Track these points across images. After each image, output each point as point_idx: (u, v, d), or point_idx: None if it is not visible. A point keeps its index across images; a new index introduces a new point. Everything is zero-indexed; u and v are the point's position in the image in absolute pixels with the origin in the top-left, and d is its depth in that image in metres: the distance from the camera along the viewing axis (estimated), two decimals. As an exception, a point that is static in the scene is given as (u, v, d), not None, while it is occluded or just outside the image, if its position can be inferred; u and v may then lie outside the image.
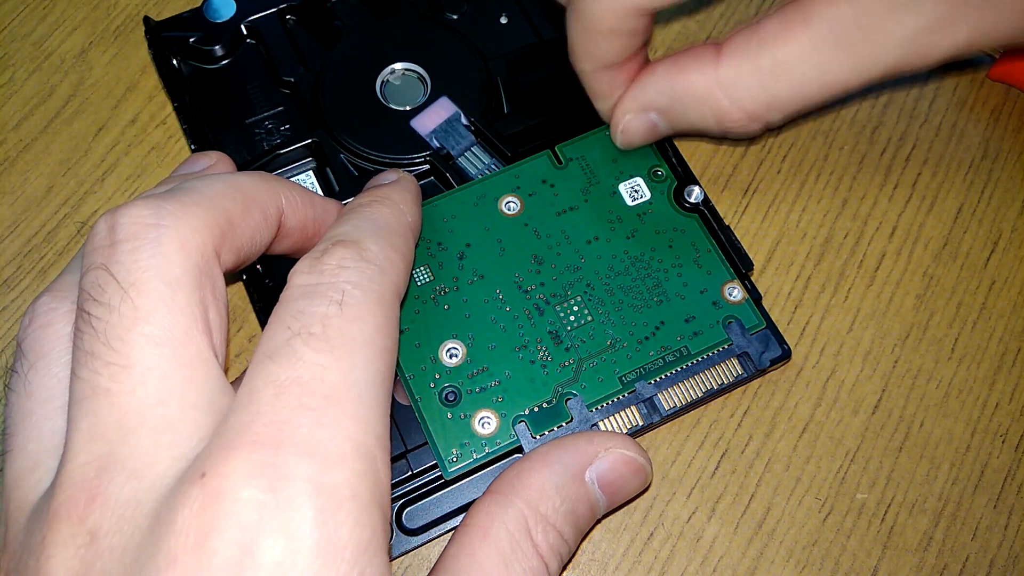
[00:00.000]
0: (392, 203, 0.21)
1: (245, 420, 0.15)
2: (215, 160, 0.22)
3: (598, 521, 0.22)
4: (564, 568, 0.20)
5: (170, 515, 0.14)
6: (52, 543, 0.15)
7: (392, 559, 0.23)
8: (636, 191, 0.25)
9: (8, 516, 0.17)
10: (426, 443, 0.23)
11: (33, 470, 0.17)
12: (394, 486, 0.22)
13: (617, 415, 0.23)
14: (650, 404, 0.23)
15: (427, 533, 0.22)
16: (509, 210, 0.25)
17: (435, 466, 0.22)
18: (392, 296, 0.18)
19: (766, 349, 0.24)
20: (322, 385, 0.16)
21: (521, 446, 0.22)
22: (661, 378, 0.23)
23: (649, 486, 0.23)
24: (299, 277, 0.18)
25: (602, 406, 0.23)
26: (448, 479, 0.22)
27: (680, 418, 0.24)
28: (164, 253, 0.16)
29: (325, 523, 0.14)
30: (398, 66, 0.28)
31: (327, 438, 0.15)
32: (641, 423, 0.23)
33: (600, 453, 0.20)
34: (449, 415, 0.23)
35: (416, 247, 0.22)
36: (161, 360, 0.16)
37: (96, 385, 0.16)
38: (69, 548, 0.15)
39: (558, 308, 0.24)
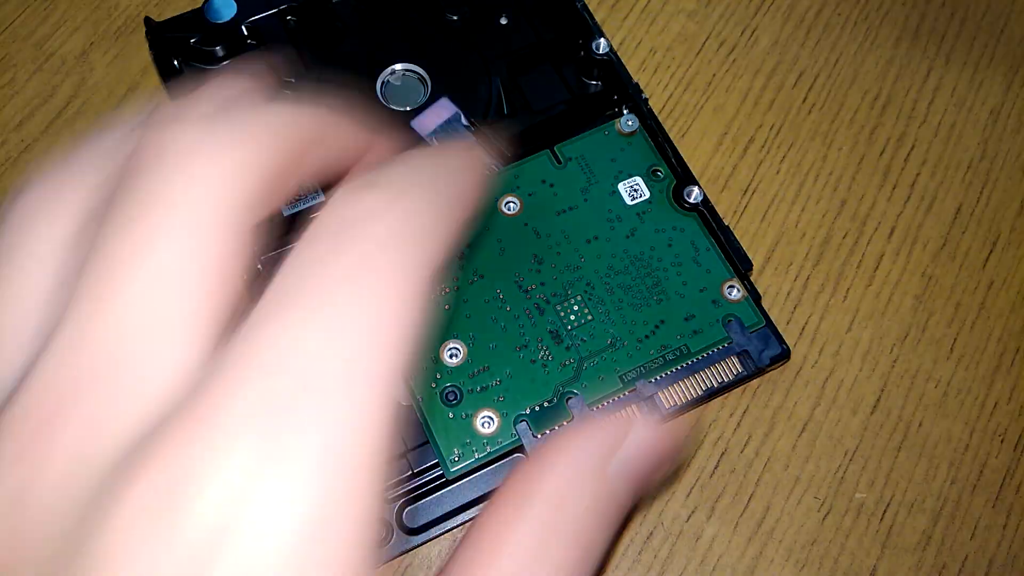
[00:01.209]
0: (447, 165, 0.18)
1: (248, 380, 0.13)
2: (258, 78, 0.19)
3: (634, 510, 0.22)
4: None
5: (123, 489, 0.12)
6: None
7: (392, 559, 0.23)
8: (635, 191, 0.25)
9: None
10: (427, 442, 0.23)
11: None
12: (394, 486, 0.22)
13: (618, 414, 0.23)
14: (650, 403, 0.23)
15: (428, 532, 0.22)
16: (509, 210, 0.25)
17: (436, 465, 0.23)
18: (430, 258, 0.16)
19: (766, 347, 0.24)
20: (339, 348, 0.13)
21: (523, 445, 0.22)
22: (661, 376, 0.23)
23: (690, 459, 0.22)
24: (325, 214, 0.15)
25: (603, 405, 0.23)
26: (450, 478, 0.22)
27: (679, 418, 0.24)
28: (208, 180, 0.15)
29: (320, 522, 0.12)
30: (398, 67, 0.28)
31: (337, 422, 0.13)
32: (641, 422, 0.23)
33: (624, 439, 0.17)
34: (450, 414, 0.23)
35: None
36: (168, 291, 0.14)
37: (97, 295, 0.14)
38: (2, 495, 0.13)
39: (558, 307, 0.24)
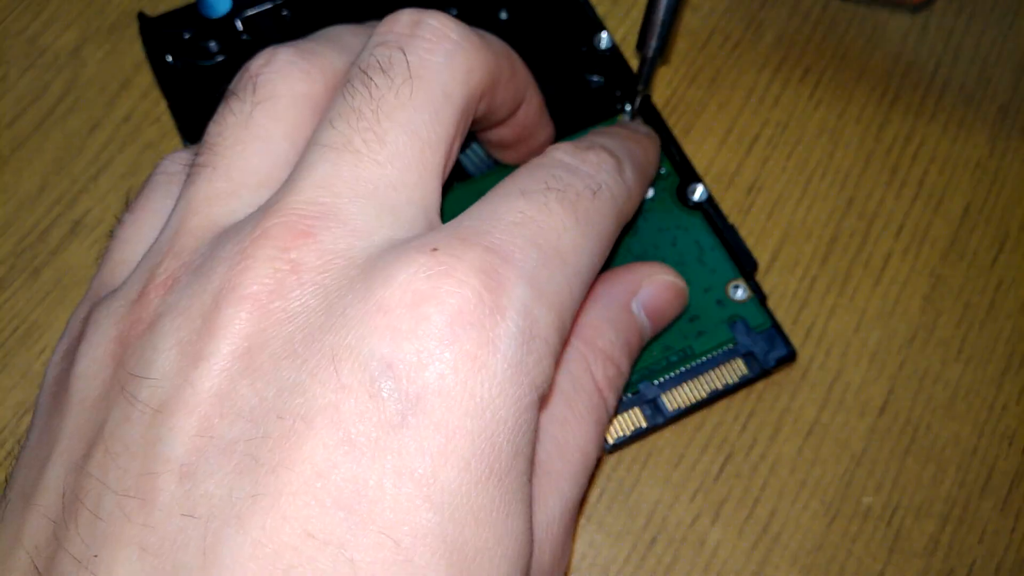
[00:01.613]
0: (647, 150, 0.22)
1: (483, 227, 0.15)
2: None
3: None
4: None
5: (390, 269, 0.14)
6: (251, 256, 0.14)
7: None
8: (639, 190, 0.25)
9: (189, 229, 0.16)
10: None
11: (232, 196, 0.16)
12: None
13: (621, 416, 0.23)
14: (654, 405, 0.23)
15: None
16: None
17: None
18: (623, 221, 0.19)
19: (772, 348, 0.23)
20: (558, 239, 0.16)
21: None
22: (665, 378, 0.23)
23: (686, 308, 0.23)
24: (560, 153, 0.18)
25: (605, 409, 0.23)
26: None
27: (683, 421, 0.24)
28: (453, 68, 0.17)
29: (522, 346, 0.14)
30: (397, 62, 0.27)
31: (546, 281, 0.15)
32: (645, 425, 0.23)
33: (643, 281, 0.21)
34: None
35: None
36: (411, 151, 0.16)
37: (349, 140, 0.16)
38: (268, 267, 0.14)
39: (560, 309, 0.23)
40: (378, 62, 0.17)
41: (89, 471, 0.14)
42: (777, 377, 0.24)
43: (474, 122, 0.19)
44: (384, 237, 0.15)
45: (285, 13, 0.28)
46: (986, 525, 0.23)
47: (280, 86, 0.17)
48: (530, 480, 0.15)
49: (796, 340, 0.25)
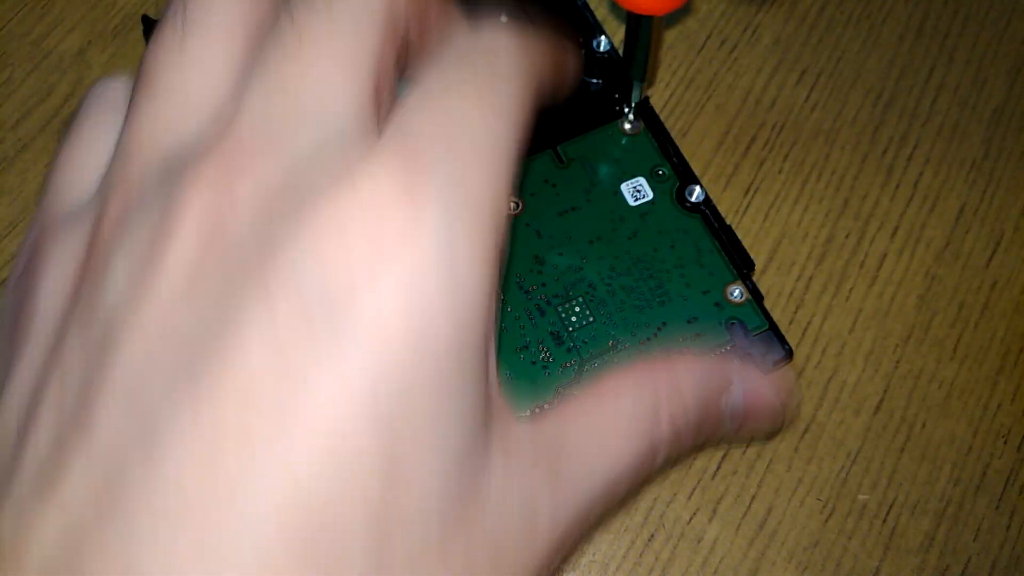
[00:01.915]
0: (555, 37, 0.22)
1: (398, 139, 0.15)
2: None
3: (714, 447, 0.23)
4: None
5: (317, 198, 0.15)
6: (193, 186, 0.15)
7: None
8: (639, 191, 0.25)
9: (137, 159, 0.16)
10: (427, 445, 0.22)
11: (178, 122, 0.16)
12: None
13: (619, 416, 0.23)
14: (652, 405, 0.23)
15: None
16: (510, 210, 0.25)
17: (436, 468, 0.22)
18: (537, 87, 0.19)
19: (768, 350, 0.24)
20: (470, 132, 0.16)
21: (523, 448, 0.22)
22: (663, 379, 0.23)
23: (779, 430, 0.24)
24: (456, 38, 0.18)
25: (604, 407, 0.23)
26: (449, 481, 0.22)
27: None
28: None
29: (455, 252, 0.15)
30: (398, 65, 0.27)
31: (469, 179, 0.16)
32: (643, 424, 0.23)
33: (747, 381, 0.20)
34: (450, 416, 0.22)
35: None
36: (334, 63, 0.16)
37: (278, 63, 0.16)
38: (208, 196, 0.15)
39: (560, 309, 0.24)
40: None
41: (45, 395, 0.15)
42: (773, 376, 0.25)
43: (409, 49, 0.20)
44: (318, 157, 0.16)
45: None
46: (981, 522, 0.23)
47: (213, 5, 0.17)
48: (480, 385, 0.16)
49: (792, 339, 0.25)
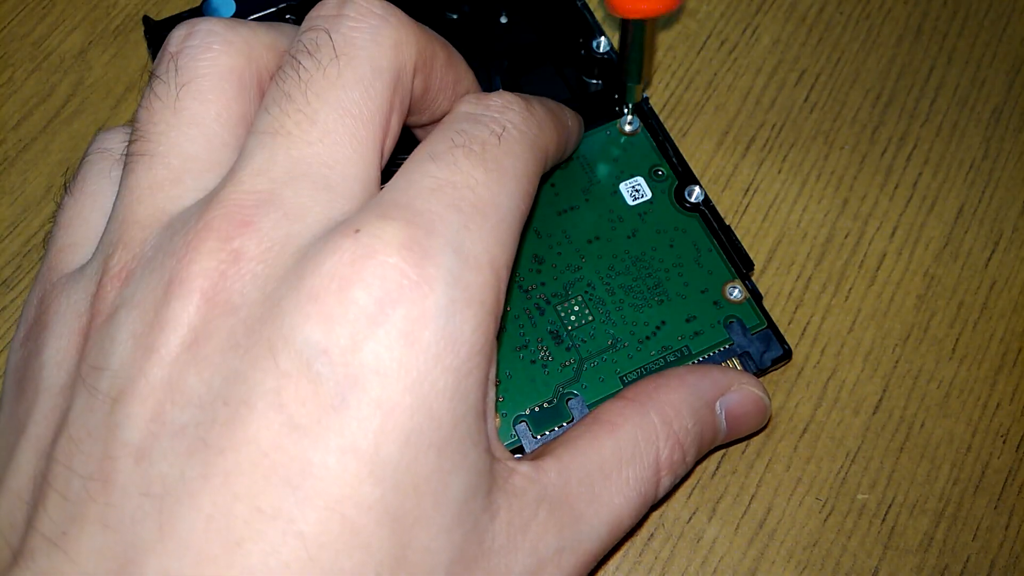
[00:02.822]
0: (558, 105, 0.22)
1: (402, 200, 0.16)
2: None
3: (710, 453, 0.23)
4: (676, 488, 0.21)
5: (318, 258, 0.15)
6: (196, 250, 0.15)
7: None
8: (637, 191, 0.25)
9: (137, 220, 0.16)
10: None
11: (175, 184, 0.17)
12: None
13: (618, 415, 0.23)
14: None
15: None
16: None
17: (435, 466, 0.22)
18: (541, 156, 0.19)
19: (767, 349, 0.24)
20: (473, 195, 0.16)
21: (522, 446, 0.22)
22: (662, 378, 0.23)
23: (765, 427, 0.24)
24: (465, 105, 0.19)
25: (603, 406, 0.23)
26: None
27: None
28: (379, 43, 0.17)
29: (453, 315, 0.15)
30: (398, 66, 0.27)
31: (471, 242, 0.16)
32: (642, 423, 0.23)
33: (733, 386, 0.21)
34: (449, 415, 0.22)
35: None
36: (342, 127, 0.17)
37: (281, 124, 0.16)
38: (212, 259, 0.15)
39: (559, 308, 0.24)
40: (305, 46, 0.17)
41: (56, 457, 0.15)
42: (773, 376, 0.25)
43: (415, 108, 0.20)
44: (320, 216, 0.16)
45: (289, 17, 0.29)
46: (980, 522, 0.23)
47: (202, 64, 0.18)
48: (480, 440, 0.16)
49: (791, 339, 0.25)
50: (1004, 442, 0.24)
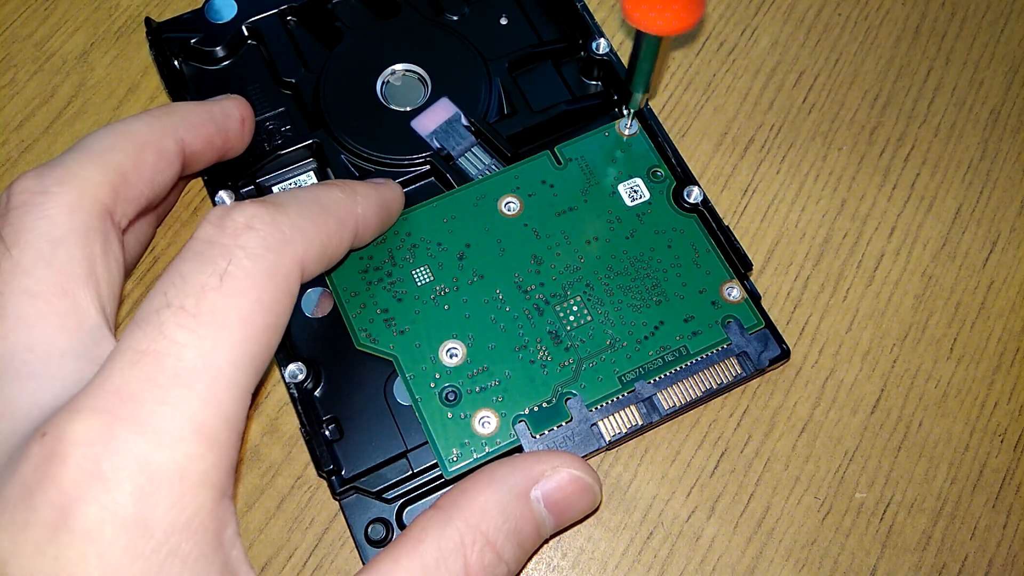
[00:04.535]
0: (349, 190, 0.21)
1: (96, 383, 0.16)
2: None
3: (546, 541, 0.23)
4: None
5: (12, 465, 0.15)
6: None
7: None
8: (635, 191, 0.26)
9: None
10: (426, 442, 0.23)
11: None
12: (394, 485, 0.22)
13: (617, 414, 0.23)
14: (649, 403, 0.23)
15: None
16: (509, 210, 0.25)
17: (435, 465, 0.23)
18: (290, 268, 0.18)
19: (765, 348, 0.24)
20: (177, 363, 0.16)
21: (521, 445, 0.22)
22: (660, 378, 0.23)
23: (598, 507, 0.23)
24: (203, 229, 0.18)
25: (602, 406, 0.23)
26: (448, 479, 0.22)
27: (679, 418, 0.24)
28: (48, 216, 0.17)
29: (141, 500, 0.15)
30: (399, 67, 0.28)
31: (166, 417, 0.15)
32: (640, 422, 0.23)
33: (547, 472, 0.20)
34: (449, 415, 0.23)
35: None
36: (33, 310, 0.17)
37: None
38: None
39: (558, 308, 0.24)
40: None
41: None
42: (771, 375, 0.25)
43: (156, 200, 0.21)
44: (28, 409, 0.16)
45: (290, 19, 0.29)
46: (978, 521, 0.23)
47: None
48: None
49: (790, 339, 0.25)
50: (1002, 441, 0.24)
